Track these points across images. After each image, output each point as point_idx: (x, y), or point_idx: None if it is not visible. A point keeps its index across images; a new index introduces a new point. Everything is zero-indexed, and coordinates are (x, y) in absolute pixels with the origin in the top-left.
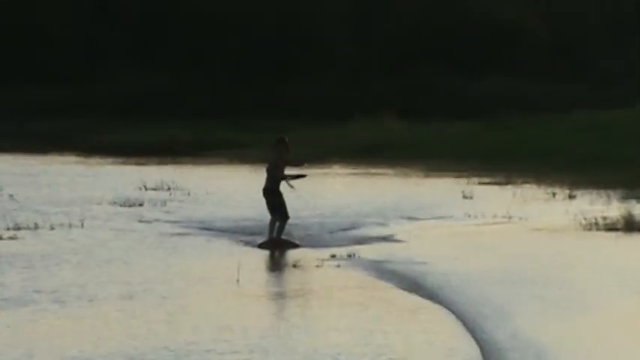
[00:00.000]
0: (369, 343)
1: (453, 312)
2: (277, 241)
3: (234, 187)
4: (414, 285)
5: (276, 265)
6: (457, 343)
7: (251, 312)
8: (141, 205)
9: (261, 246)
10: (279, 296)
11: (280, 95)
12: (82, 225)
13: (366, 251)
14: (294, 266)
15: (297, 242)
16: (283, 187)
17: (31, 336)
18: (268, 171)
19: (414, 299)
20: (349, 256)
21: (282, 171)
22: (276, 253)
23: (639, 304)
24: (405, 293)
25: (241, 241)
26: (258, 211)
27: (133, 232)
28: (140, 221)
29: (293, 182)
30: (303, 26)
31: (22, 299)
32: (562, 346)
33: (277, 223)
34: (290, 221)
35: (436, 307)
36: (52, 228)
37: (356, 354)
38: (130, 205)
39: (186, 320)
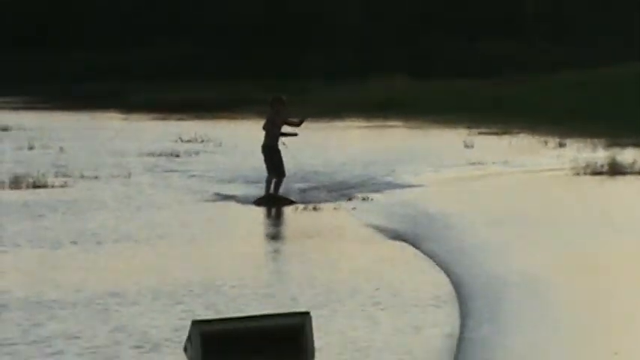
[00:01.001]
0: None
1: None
2: (274, 197)
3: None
4: (410, 226)
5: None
6: (434, 277)
7: (269, 250)
8: (177, 155)
9: (257, 202)
10: (296, 237)
11: (302, 59)
12: (125, 175)
13: (379, 196)
14: (314, 209)
15: (293, 199)
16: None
17: (71, 272)
18: (266, 129)
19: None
20: (364, 199)
21: (280, 128)
22: (274, 209)
23: (616, 239)
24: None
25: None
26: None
27: (168, 181)
28: (174, 171)
29: (285, 139)
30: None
31: (65, 240)
32: (528, 278)
33: (274, 180)
34: (312, 170)
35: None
36: (97, 177)
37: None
38: (167, 156)
39: (212, 259)
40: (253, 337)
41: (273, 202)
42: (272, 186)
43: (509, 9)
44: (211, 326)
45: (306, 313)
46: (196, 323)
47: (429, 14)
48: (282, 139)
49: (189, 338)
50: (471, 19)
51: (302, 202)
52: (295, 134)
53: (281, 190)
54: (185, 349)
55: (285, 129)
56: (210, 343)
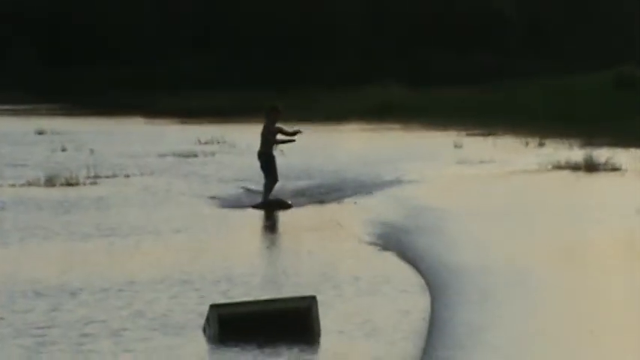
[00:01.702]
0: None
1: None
2: (269, 202)
3: None
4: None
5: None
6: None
7: (271, 244)
8: (195, 156)
9: (255, 207)
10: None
11: (308, 68)
12: (148, 173)
13: (378, 192)
14: (320, 203)
15: (290, 202)
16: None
17: (95, 262)
18: (262, 135)
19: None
20: (367, 193)
21: (275, 136)
22: (272, 213)
23: (591, 228)
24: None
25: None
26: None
27: (187, 178)
28: (192, 169)
29: (283, 147)
30: (325, 10)
31: (93, 232)
32: (503, 265)
33: (266, 185)
34: (318, 168)
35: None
36: (124, 176)
37: None
38: (187, 156)
39: (222, 252)
40: (265, 319)
41: (271, 206)
42: (268, 191)
43: (491, 23)
44: (227, 309)
45: (313, 297)
46: (214, 307)
47: (422, 27)
48: (279, 147)
49: (207, 320)
50: (459, 33)
51: (303, 203)
52: (293, 140)
53: (279, 193)
54: (204, 330)
55: (280, 137)
56: (226, 324)
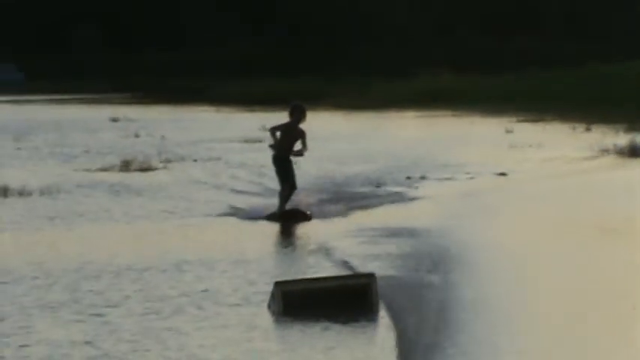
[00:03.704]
0: None
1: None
2: (284, 212)
3: (334, 128)
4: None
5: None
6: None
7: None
8: (261, 141)
9: (268, 218)
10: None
11: (359, 55)
12: (216, 157)
13: (433, 177)
14: (377, 186)
15: (309, 213)
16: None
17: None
18: (279, 137)
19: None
20: (421, 177)
21: (295, 140)
22: (287, 226)
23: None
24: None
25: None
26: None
27: (251, 163)
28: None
29: (294, 158)
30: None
31: (153, 215)
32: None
33: (282, 193)
34: (376, 150)
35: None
36: (195, 159)
37: None
38: (253, 142)
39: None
40: (326, 295)
41: (287, 218)
42: (284, 200)
43: (537, 8)
44: (290, 286)
45: (372, 274)
46: (278, 283)
47: (466, 15)
48: (292, 157)
49: (272, 296)
50: (504, 19)
51: (328, 213)
52: (302, 155)
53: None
54: (269, 306)
55: (296, 145)
56: (290, 300)
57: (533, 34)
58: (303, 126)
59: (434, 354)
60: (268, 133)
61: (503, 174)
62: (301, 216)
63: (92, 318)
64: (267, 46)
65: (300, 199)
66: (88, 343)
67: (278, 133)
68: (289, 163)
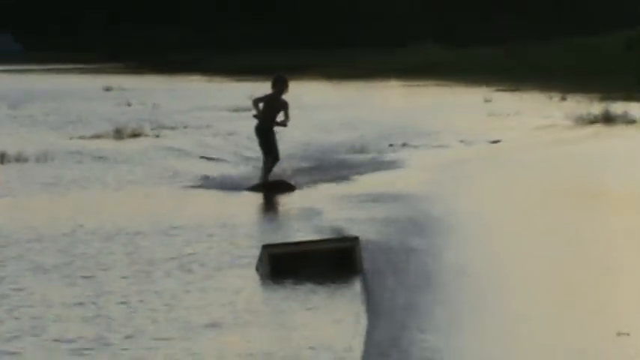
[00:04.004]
0: None
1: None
2: (268, 183)
3: (322, 97)
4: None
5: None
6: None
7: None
8: (250, 110)
9: (252, 189)
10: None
11: (351, 29)
12: (206, 125)
13: (416, 143)
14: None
15: (293, 183)
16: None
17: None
18: (262, 108)
19: None
20: (403, 144)
21: (278, 111)
22: (270, 196)
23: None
24: None
25: None
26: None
27: (238, 132)
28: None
29: (276, 128)
30: None
31: (147, 180)
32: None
33: (265, 163)
34: (360, 119)
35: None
36: (185, 127)
37: None
38: (242, 111)
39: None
40: (312, 257)
41: (271, 188)
42: (267, 171)
43: None
44: (277, 249)
45: (356, 237)
46: (266, 247)
47: None
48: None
49: (260, 259)
50: None
51: (311, 181)
52: (285, 125)
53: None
54: (257, 269)
55: (279, 116)
56: (277, 262)
57: (518, 11)
58: (285, 97)
59: (405, 313)
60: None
61: (496, 141)
62: (285, 186)
63: (83, 280)
64: (262, 22)
65: (284, 167)
66: (79, 304)
67: (261, 105)
68: (272, 134)
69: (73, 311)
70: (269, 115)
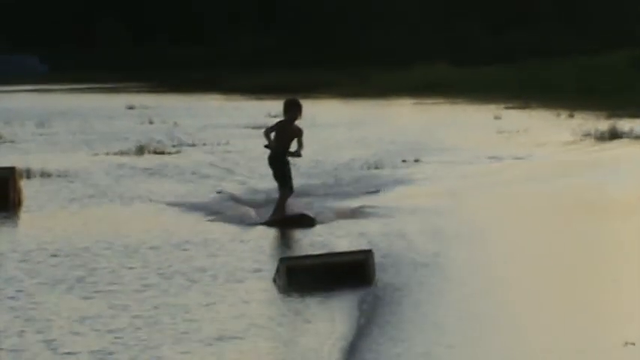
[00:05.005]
0: None
1: None
2: (285, 217)
3: (332, 115)
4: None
5: None
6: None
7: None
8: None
9: (268, 223)
10: None
11: (359, 47)
12: (225, 142)
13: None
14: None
15: (313, 216)
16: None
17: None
18: (279, 137)
19: None
20: (416, 160)
21: (291, 139)
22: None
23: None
24: None
25: None
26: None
27: (256, 146)
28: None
29: (290, 158)
30: None
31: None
32: None
33: (281, 196)
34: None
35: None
36: (205, 144)
37: None
38: (259, 128)
39: None
40: (328, 270)
41: (289, 223)
42: (283, 204)
43: (525, 3)
44: (294, 262)
45: (369, 250)
46: (283, 260)
47: (461, 7)
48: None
49: (277, 271)
50: (495, 12)
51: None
52: (299, 155)
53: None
54: (274, 281)
55: (292, 146)
56: (294, 275)
57: (529, 29)
58: (299, 123)
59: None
60: (264, 135)
61: (494, 158)
62: (306, 221)
63: (98, 294)
64: (274, 40)
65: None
66: (93, 318)
67: (272, 134)
68: (286, 164)
69: (86, 325)
70: (282, 143)
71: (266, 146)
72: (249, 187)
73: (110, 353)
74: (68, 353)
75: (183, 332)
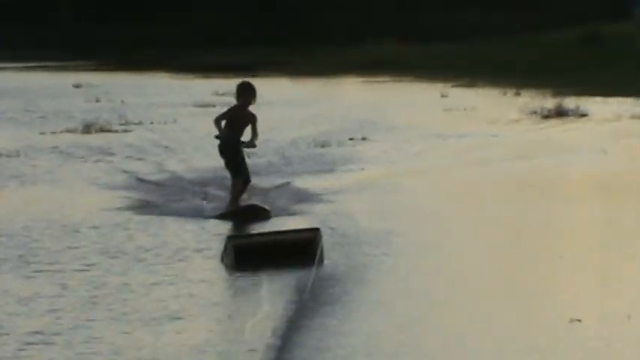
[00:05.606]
0: None
1: None
2: (238, 209)
3: (280, 93)
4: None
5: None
6: None
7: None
8: (214, 106)
9: (221, 216)
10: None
11: (310, 26)
12: (172, 121)
13: (374, 136)
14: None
15: (268, 208)
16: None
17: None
18: (231, 124)
19: None
20: (363, 138)
21: (245, 125)
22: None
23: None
24: None
25: None
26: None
27: (203, 124)
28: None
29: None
30: None
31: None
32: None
33: (235, 186)
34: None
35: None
36: (152, 123)
37: None
38: (206, 106)
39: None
40: (275, 248)
41: (243, 215)
42: (238, 195)
43: None
44: (242, 240)
45: (317, 229)
46: (230, 238)
47: None
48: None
49: (224, 249)
50: None
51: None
52: (254, 146)
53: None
54: (221, 259)
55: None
56: (241, 253)
57: (480, 8)
58: (253, 108)
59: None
60: (213, 123)
61: (440, 135)
62: (261, 213)
63: (40, 274)
64: (226, 19)
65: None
66: (33, 298)
67: (223, 122)
68: (240, 152)
69: (25, 305)
70: (234, 130)
71: (217, 137)
72: (190, 165)
73: (48, 334)
74: (6, 334)
75: (123, 312)
